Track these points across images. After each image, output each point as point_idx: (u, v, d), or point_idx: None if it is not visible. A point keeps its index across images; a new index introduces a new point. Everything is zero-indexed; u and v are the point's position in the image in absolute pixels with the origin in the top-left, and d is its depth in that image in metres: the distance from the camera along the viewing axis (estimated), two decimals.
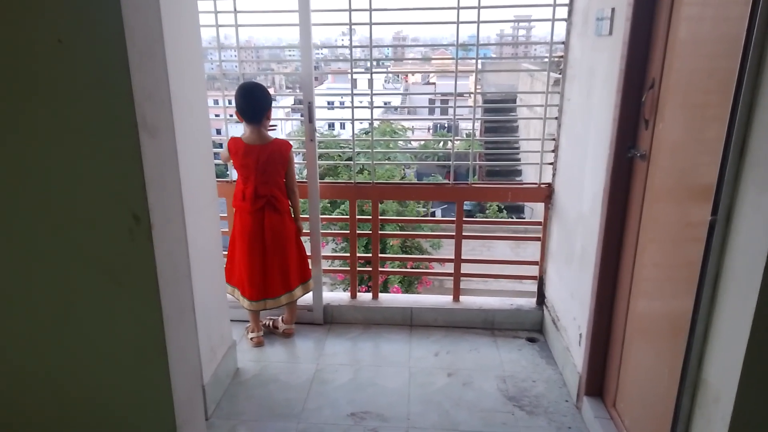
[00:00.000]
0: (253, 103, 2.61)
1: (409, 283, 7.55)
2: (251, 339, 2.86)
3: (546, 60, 2.72)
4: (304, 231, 2.92)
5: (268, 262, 2.72)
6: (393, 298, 3.25)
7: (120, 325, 1.40)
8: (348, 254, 3.21)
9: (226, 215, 2.86)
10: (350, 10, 2.66)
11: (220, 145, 2.97)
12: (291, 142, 2.71)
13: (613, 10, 2.05)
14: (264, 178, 2.62)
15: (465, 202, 3.04)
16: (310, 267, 2.95)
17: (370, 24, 2.68)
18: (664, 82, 1.75)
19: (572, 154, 2.60)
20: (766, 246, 1.15)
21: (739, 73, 1.22)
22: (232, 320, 2.66)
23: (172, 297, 1.42)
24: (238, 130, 2.76)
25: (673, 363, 1.55)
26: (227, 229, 2.92)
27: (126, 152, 1.28)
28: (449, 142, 3.22)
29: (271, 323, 2.99)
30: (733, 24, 1.31)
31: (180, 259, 1.50)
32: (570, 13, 2.60)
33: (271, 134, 2.70)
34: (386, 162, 8.38)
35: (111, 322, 1.41)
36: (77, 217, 1.35)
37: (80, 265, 1.38)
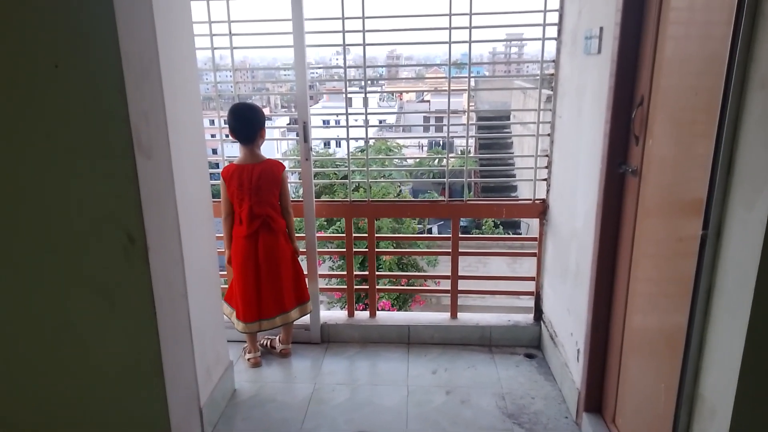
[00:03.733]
0: (245, 123, 2.65)
1: (403, 301, 7.52)
2: (248, 359, 2.85)
3: (538, 77, 2.77)
4: (300, 250, 2.92)
5: (262, 281, 2.72)
6: (390, 316, 3.24)
7: (115, 347, 1.40)
8: (344, 272, 3.21)
9: (221, 235, 2.86)
10: (344, 32, 2.69)
11: (217, 165, 2.98)
12: (285, 163, 2.73)
13: (601, 29, 2.09)
14: (258, 197, 2.64)
15: (461, 219, 3.06)
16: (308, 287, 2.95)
17: (364, 45, 2.72)
18: (653, 99, 1.78)
19: (565, 170, 2.63)
20: (757, 260, 1.16)
21: (724, 91, 1.24)
22: (228, 341, 2.65)
23: (168, 317, 1.42)
24: (234, 149, 2.78)
25: (669, 378, 1.55)
26: (223, 249, 2.92)
27: (121, 173, 1.29)
28: (444, 159, 3.24)
29: (268, 343, 2.98)
30: (717, 43, 1.34)
31: (176, 279, 1.50)
32: (559, 32, 2.65)
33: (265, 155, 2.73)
34: (382, 180, 8.40)
35: (106, 343, 1.41)
36: (72, 238, 1.36)
37: (75, 286, 1.38)
